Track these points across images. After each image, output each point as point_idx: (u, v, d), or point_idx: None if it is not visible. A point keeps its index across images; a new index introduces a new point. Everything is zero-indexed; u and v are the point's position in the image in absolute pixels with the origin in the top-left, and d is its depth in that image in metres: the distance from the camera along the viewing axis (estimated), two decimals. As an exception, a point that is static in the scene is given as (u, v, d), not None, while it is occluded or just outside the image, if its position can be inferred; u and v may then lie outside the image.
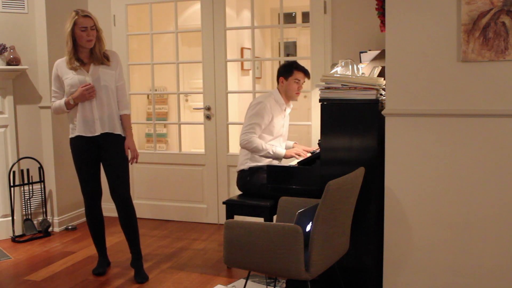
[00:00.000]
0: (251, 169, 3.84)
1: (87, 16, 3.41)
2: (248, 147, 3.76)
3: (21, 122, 4.59)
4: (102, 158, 3.56)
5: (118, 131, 3.54)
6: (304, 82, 3.94)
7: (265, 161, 3.86)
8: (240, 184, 3.91)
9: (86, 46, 3.43)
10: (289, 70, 3.87)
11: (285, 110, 3.98)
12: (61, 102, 3.48)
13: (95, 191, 3.62)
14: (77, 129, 3.47)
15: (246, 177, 3.85)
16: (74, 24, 3.38)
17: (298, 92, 3.91)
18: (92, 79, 3.44)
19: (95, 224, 3.68)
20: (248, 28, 5.72)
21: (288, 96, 3.92)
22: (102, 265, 3.71)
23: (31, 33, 4.60)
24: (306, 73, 3.90)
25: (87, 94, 3.39)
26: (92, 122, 3.46)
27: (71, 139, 3.53)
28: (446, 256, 2.78)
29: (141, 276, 3.55)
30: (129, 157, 3.60)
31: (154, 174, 5.05)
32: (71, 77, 3.43)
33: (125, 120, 3.59)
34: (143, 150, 5.52)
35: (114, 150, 3.54)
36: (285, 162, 3.84)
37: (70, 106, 3.45)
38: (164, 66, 6.07)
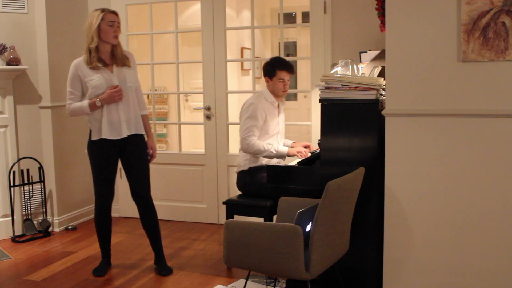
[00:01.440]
0: (251, 169, 3.84)
1: (115, 12, 3.44)
2: (251, 151, 3.76)
3: (21, 122, 4.58)
4: (124, 159, 3.54)
5: (142, 131, 3.57)
6: (289, 78, 3.93)
7: (265, 161, 3.86)
8: (240, 185, 3.91)
9: (111, 42, 3.40)
10: (272, 70, 3.84)
11: (278, 106, 3.98)
12: (82, 103, 3.41)
13: (110, 194, 3.60)
14: (102, 132, 3.42)
15: (246, 178, 3.85)
16: (102, 19, 3.35)
17: (285, 89, 3.90)
18: (118, 81, 3.43)
19: (104, 226, 3.67)
20: (248, 28, 5.72)
21: (276, 94, 3.91)
22: (104, 267, 3.70)
23: (31, 33, 4.60)
24: (289, 70, 3.85)
25: (116, 96, 3.37)
26: (119, 125, 3.43)
27: (93, 141, 3.47)
28: (446, 256, 2.78)
29: (164, 269, 3.65)
30: (150, 157, 3.64)
31: (154, 174, 5.03)
32: (96, 79, 3.39)
33: (145, 121, 3.62)
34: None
35: (137, 151, 3.55)
36: (285, 162, 3.85)
37: (95, 108, 3.39)
38: (164, 66, 6.07)
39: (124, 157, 3.53)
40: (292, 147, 4.02)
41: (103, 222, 3.66)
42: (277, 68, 3.83)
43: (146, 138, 3.63)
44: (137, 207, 3.65)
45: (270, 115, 3.88)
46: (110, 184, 3.58)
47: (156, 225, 3.67)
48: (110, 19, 3.38)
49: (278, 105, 3.98)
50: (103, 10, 3.40)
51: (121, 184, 4.76)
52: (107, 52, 3.45)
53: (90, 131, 3.50)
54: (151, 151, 3.64)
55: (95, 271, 3.67)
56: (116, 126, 3.43)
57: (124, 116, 3.45)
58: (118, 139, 3.45)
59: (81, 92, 3.46)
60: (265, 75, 3.91)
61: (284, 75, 3.83)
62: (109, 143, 3.44)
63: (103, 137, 3.42)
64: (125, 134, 3.46)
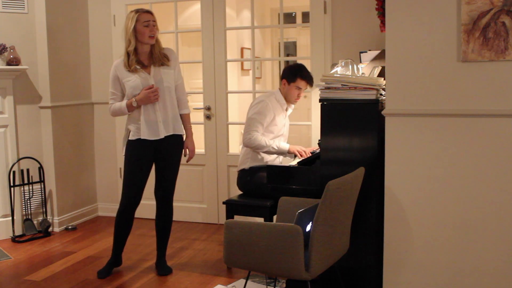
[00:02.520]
0: (252, 168, 3.83)
1: (149, 12, 3.42)
2: (251, 145, 3.76)
3: (21, 122, 4.58)
4: (158, 159, 3.52)
5: (181, 131, 3.56)
6: (306, 89, 3.93)
7: (269, 160, 3.85)
8: (240, 184, 3.91)
9: (148, 42, 3.38)
10: (293, 76, 3.83)
11: (286, 110, 3.99)
12: (121, 104, 3.42)
13: (138, 197, 3.55)
14: (141, 132, 3.41)
15: (246, 177, 3.85)
16: (136, 21, 3.34)
17: (298, 98, 3.91)
18: (155, 81, 3.42)
19: (126, 228, 3.61)
20: (248, 28, 5.72)
21: (288, 99, 3.92)
22: (110, 268, 3.64)
23: (31, 33, 4.60)
24: (309, 82, 3.86)
25: (152, 97, 3.36)
26: (156, 125, 3.42)
27: (130, 141, 3.45)
28: (446, 256, 2.78)
29: (164, 269, 3.65)
30: (187, 157, 3.64)
31: (154, 174, 5.03)
32: (133, 79, 3.38)
33: (185, 120, 3.62)
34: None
35: (173, 151, 3.55)
36: (285, 162, 3.85)
37: (132, 108, 3.39)
38: (164, 66, 6.05)
39: (159, 156, 3.51)
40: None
41: (125, 224, 3.59)
42: (299, 77, 3.82)
43: (184, 138, 3.62)
44: (156, 205, 3.65)
45: (278, 115, 3.88)
46: (140, 188, 3.53)
47: (170, 226, 3.70)
48: (145, 19, 3.35)
49: (287, 109, 3.98)
50: (137, 11, 3.38)
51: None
52: (146, 52, 3.43)
53: (129, 132, 3.48)
54: (187, 151, 3.63)
55: (101, 273, 3.60)
56: (153, 126, 3.42)
57: (161, 117, 3.44)
58: (156, 139, 3.44)
59: (122, 92, 3.46)
60: (283, 78, 3.90)
61: (303, 85, 3.84)
62: (146, 143, 3.43)
63: (142, 137, 3.41)
64: (162, 134, 3.45)
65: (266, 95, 3.95)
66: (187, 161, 3.69)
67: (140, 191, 3.54)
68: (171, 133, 3.50)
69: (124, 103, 3.42)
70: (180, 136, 3.58)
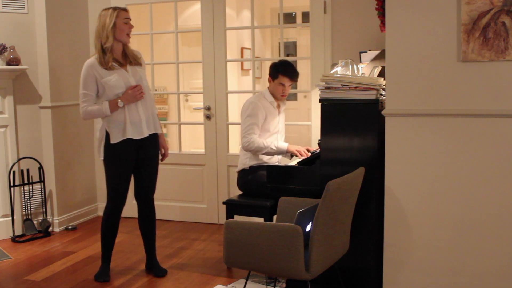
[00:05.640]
0: (252, 167, 3.84)
1: (126, 9, 3.43)
2: (251, 148, 3.77)
3: (21, 122, 4.58)
4: (138, 158, 3.48)
5: (160, 130, 3.58)
6: (291, 85, 3.92)
7: (266, 158, 3.86)
8: (240, 184, 3.91)
9: (125, 41, 3.38)
10: (275, 73, 3.85)
11: (278, 107, 3.98)
12: (102, 105, 3.33)
13: (124, 198, 3.53)
14: (127, 133, 3.37)
15: (247, 176, 3.85)
16: (117, 17, 3.33)
17: (284, 94, 3.91)
18: (135, 80, 3.41)
19: (114, 229, 3.58)
20: (248, 28, 5.72)
21: (275, 96, 3.92)
22: (106, 271, 3.59)
23: (31, 33, 4.60)
24: (291, 77, 3.84)
25: (138, 95, 3.35)
26: (140, 124, 3.41)
27: (114, 144, 3.37)
28: (446, 256, 2.78)
29: (161, 270, 3.63)
30: (163, 156, 3.64)
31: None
32: (114, 79, 3.33)
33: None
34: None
35: (153, 150, 3.55)
36: (285, 162, 3.85)
37: (115, 108, 3.34)
38: (164, 66, 6.07)
39: (139, 156, 3.48)
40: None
41: (113, 226, 3.56)
42: (281, 73, 3.83)
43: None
44: (137, 206, 3.63)
45: (270, 114, 3.88)
46: (127, 189, 3.52)
47: (154, 226, 3.68)
48: (125, 16, 3.36)
49: (279, 105, 3.98)
50: (115, 9, 3.37)
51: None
52: (120, 51, 3.42)
53: (107, 136, 3.39)
54: (163, 151, 3.64)
55: (100, 277, 3.55)
56: (138, 126, 3.41)
57: (144, 115, 3.43)
58: (139, 139, 3.43)
59: (96, 93, 3.38)
60: (269, 75, 3.92)
61: (285, 81, 3.84)
62: (130, 143, 3.40)
63: (129, 136, 3.38)
64: (146, 133, 3.44)
65: (255, 96, 3.97)
66: (161, 160, 3.66)
67: (127, 192, 3.54)
68: (153, 132, 3.51)
69: (105, 104, 3.33)
70: (157, 135, 3.58)
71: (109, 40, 3.32)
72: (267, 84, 3.95)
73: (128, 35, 3.39)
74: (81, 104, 3.39)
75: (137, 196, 3.61)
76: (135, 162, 3.49)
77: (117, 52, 3.41)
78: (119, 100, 3.33)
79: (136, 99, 3.37)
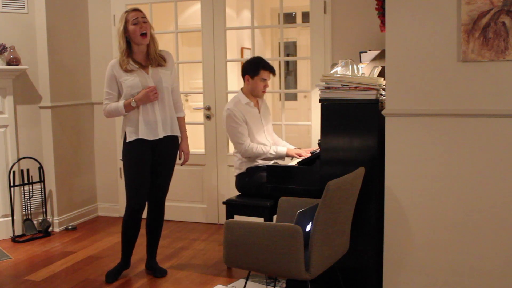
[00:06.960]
0: (249, 170, 3.83)
1: (137, 9, 3.40)
2: (250, 155, 3.77)
3: (21, 122, 4.58)
4: (154, 159, 3.48)
5: (178, 133, 3.55)
6: (269, 79, 3.92)
7: (261, 161, 3.86)
8: (239, 187, 3.90)
9: (141, 42, 3.35)
10: (255, 69, 3.84)
11: (257, 105, 3.96)
12: (118, 104, 3.37)
13: (144, 198, 3.50)
14: (140, 133, 3.37)
15: (244, 179, 3.84)
16: (126, 21, 3.33)
17: (265, 90, 3.91)
18: (154, 81, 3.39)
19: (136, 231, 3.55)
20: (248, 28, 5.72)
21: (254, 94, 3.91)
22: (119, 272, 3.58)
23: (31, 33, 4.60)
24: (272, 71, 3.86)
25: (151, 96, 3.33)
26: (155, 125, 3.40)
27: (129, 143, 3.40)
28: (446, 256, 2.78)
29: (161, 271, 3.63)
30: (182, 160, 3.62)
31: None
32: (131, 79, 3.35)
33: (181, 122, 3.60)
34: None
35: (169, 152, 3.53)
36: (285, 162, 3.84)
37: (130, 108, 3.35)
38: (164, 66, 6.05)
39: (155, 157, 3.48)
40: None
41: (134, 229, 3.53)
42: (262, 68, 3.83)
43: (180, 141, 3.61)
44: (147, 207, 3.61)
45: (249, 116, 3.85)
46: (147, 188, 3.49)
47: (161, 228, 3.69)
48: (133, 17, 3.33)
49: (257, 102, 3.96)
50: (125, 12, 3.38)
51: (123, 184, 4.75)
52: (142, 53, 3.41)
53: (125, 135, 3.43)
54: (182, 154, 3.63)
55: (110, 277, 3.53)
56: (152, 126, 3.39)
57: (160, 117, 3.41)
58: (154, 139, 3.41)
59: (118, 92, 3.42)
60: (246, 74, 3.89)
61: (267, 75, 3.84)
62: (145, 144, 3.40)
63: (140, 137, 3.37)
64: (161, 134, 3.43)
65: (228, 103, 3.92)
66: (181, 165, 3.67)
67: (144, 193, 3.49)
68: (169, 134, 3.49)
69: (121, 103, 3.37)
70: (177, 138, 3.57)
71: (120, 45, 3.35)
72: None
73: (142, 35, 3.34)
74: (104, 102, 3.46)
75: (149, 196, 3.59)
76: (151, 162, 3.48)
77: (139, 54, 3.40)
78: (132, 100, 3.34)
79: (150, 100, 3.35)
